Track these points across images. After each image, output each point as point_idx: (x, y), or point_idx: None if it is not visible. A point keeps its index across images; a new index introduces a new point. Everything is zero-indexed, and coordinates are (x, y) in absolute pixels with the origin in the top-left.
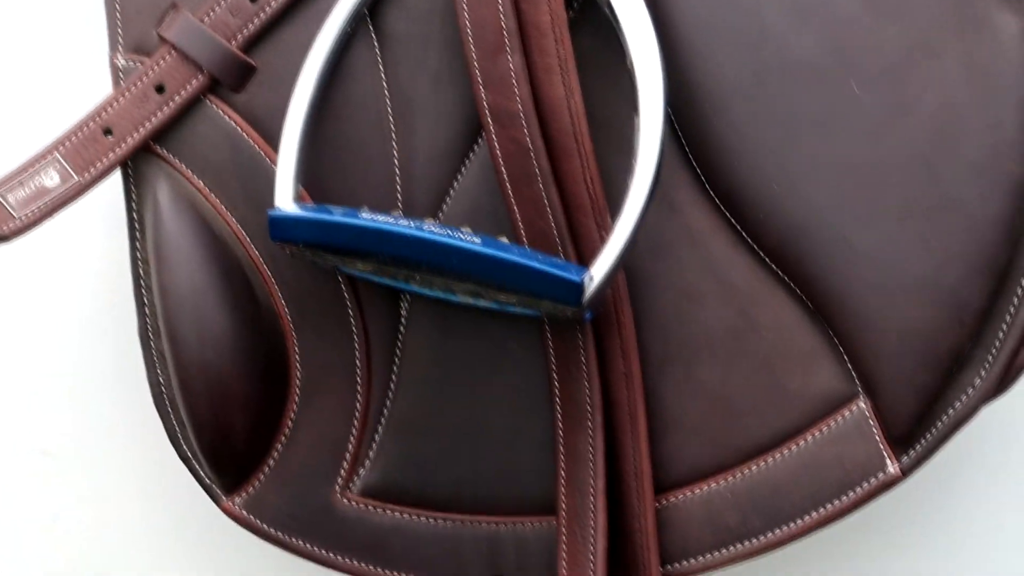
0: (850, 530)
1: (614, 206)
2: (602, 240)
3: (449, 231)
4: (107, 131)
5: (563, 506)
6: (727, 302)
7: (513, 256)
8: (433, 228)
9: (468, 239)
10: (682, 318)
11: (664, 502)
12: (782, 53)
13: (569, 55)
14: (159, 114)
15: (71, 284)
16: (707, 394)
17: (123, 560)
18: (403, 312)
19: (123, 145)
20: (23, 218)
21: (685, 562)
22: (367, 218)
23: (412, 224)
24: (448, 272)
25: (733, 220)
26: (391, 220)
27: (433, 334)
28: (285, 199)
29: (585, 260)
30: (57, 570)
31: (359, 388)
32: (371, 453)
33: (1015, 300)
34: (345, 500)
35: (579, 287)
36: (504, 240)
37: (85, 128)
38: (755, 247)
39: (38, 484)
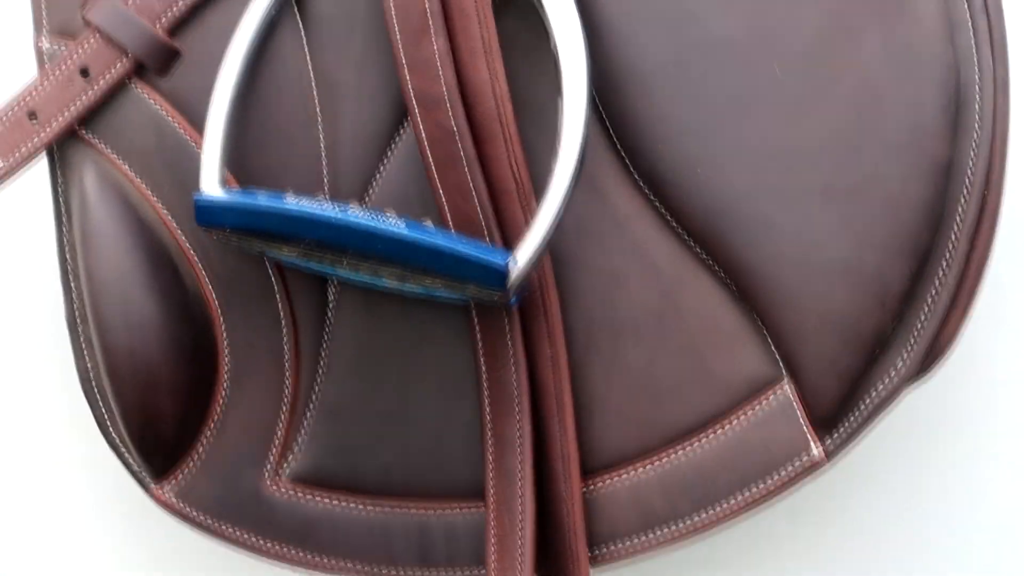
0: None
1: (539, 189)
2: (527, 224)
3: (374, 215)
4: (32, 115)
5: (491, 492)
6: (652, 285)
7: (438, 240)
8: (358, 212)
9: (393, 223)
10: (607, 302)
11: (591, 486)
12: (705, 34)
13: (493, 37)
14: (84, 98)
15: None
16: (633, 377)
17: (53, 547)
18: (331, 298)
19: (48, 129)
20: None
21: (613, 546)
22: (292, 203)
23: (337, 208)
24: (374, 256)
25: (657, 203)
26: (316, 204)
27: (361, 319)
28: (211, 184)
29: (510, 244)
30: None
31: (287, 374)
32: (300, 439)
33: (936, 283)
34: (275, 487)
35: (503, 271)
36: (429, 224)
37: (9, 112)
38: (679, 229)
39: None
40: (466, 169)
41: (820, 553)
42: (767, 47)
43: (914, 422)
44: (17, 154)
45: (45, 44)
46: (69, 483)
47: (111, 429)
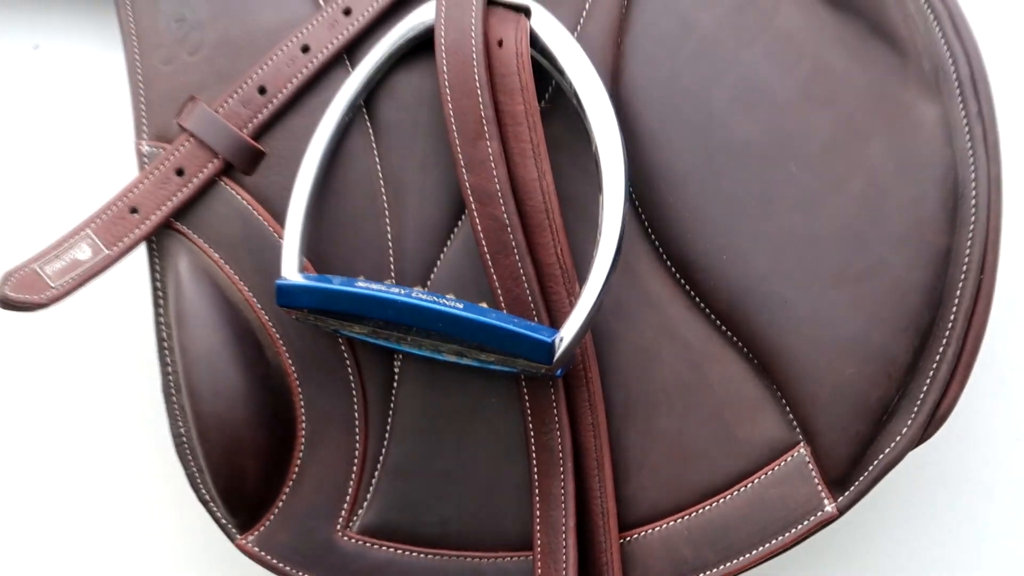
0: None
1: (582, 274)
2: (571, 305)
3: (436, 298)
4: (133, 210)
5: (538, 543)
6: (682, 359)
7: (492, 320)
8: (421, 295)
9: (452, 305)
10: (642, 374)
11: (628, 538)
12: (729, 137)
13: (541, 140)
14: (179, 195)
15: (101, 345)
16: (665, 441)
17: None
18: (396, 369)
19: (147, 222)
20: (59, 287)
21: None
22: (363, 286)
23: (403, 291)
24: (435, 334)
25: (687, 286)
26: (384, 288)
27: (423, 389)
28: (291, 270)
29: (556, 323)
30: None
31: (357, 437)
32: (368, 495)
33: (937, 357)
34: (345, 537)
35: (551, 347)
36: (484, 306)
37: (114, 207)
38: (706, 310)
39: (74, 526)
40: (517, 257)
41: None
42: (784, 149)
43: (914, 477)
44: (120, 244)
45: (145, 147)
46: (164, 534)
47: (201, 486)
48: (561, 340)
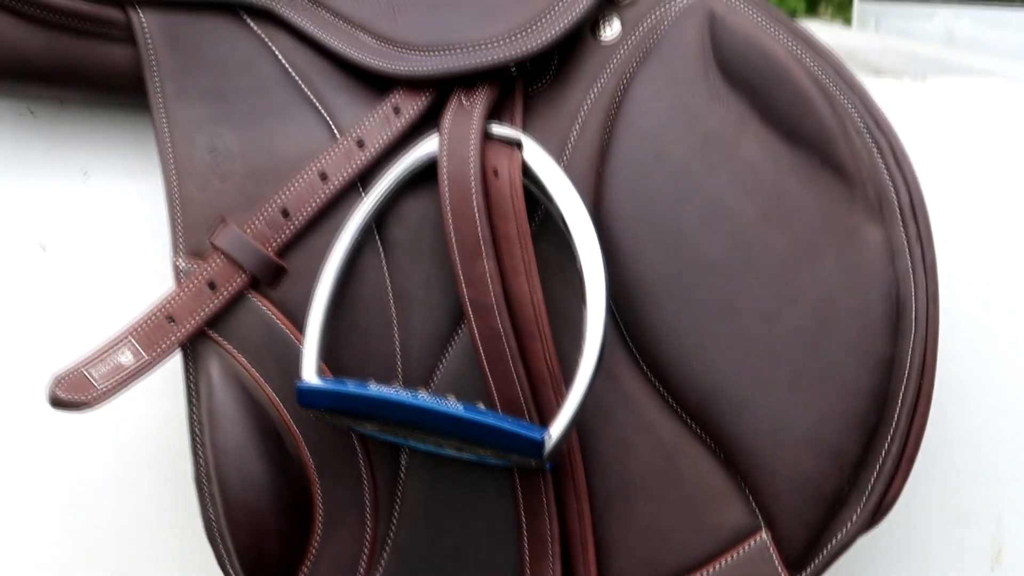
0: None
1: (568, 377)
2: (558, 405)
3: (438, 399)
4: (170, 319)
5: None
6: (656, 452)
7: (488, 420)
8: (425, 397)
9: (453, 406)
10: (621, 465)
11: None
12: (698, 255)
13: (532, 259)
14: (211, 306)
15: (141, 440)
16: (642, 526)
17: None
18: (403, 462)
19: (183, 330)
20: (104, 389)
21: None
22: (374, 389)
23: (409, 394)
24: (437, 432)
25: (660, 387)
26: (392, 391)
27: (427, 480)
28: (310, 373)
29: (545, 422)
30: None
31: (368, 522)
32: (378, 574)
33: (883, 453)
34: None
35: (540, 444)
36: (481, 406)
37: (153, 317)
38: (678, 409)
39: None
40: (510, 363)
41: None
42: (747, 265)
43: (865, 556)
44: (159, 350)
45: (181, 263)
46: None
47: (229, 566)
48: (549, 437)
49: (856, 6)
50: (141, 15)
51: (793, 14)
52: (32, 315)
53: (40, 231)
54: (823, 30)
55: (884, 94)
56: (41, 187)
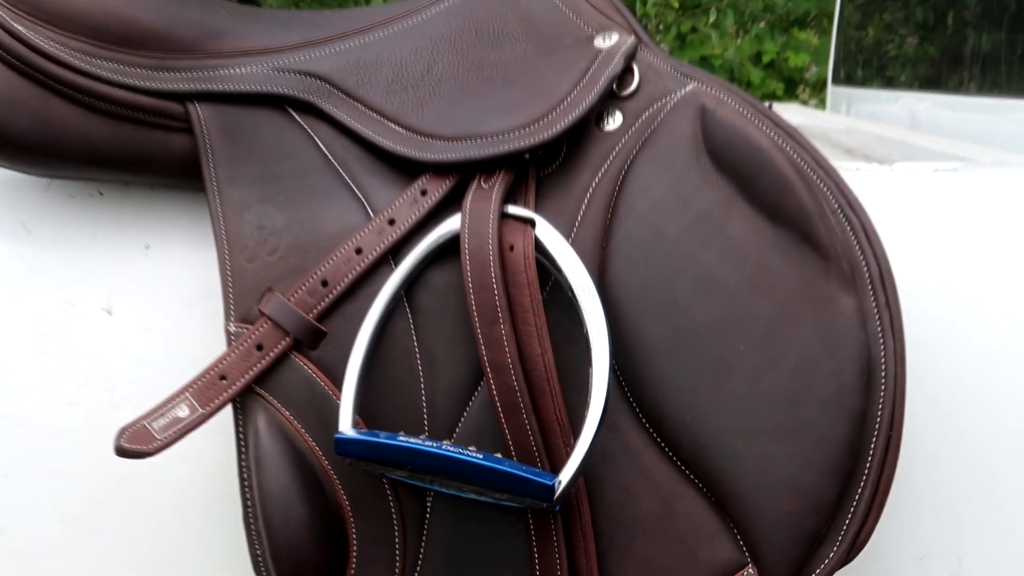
0: None
1: (576, 429)
2: (567, 454)
3: (460, 449)
4: (222, 377)
5: None
6: (654, 496)
7: (504, 467)
8: (449, 447)
9: (473, 455)
10: (622, 508)
11: None
12: (691, 321)
13: (543, 324)
14: (258, 366)
15: (194, 487)
16: (642, 562)
17: None
18: (428, 504)
19: (234, 387)
20: (163, 440)
21: None
22: (403, 440)
23: (435, 444)
24: (460, 477)
25: (658, 438)
26: (420, 441)
27: (449, 520)
28: (346, 425)
29: (556, 469)
30: None
31: (398, 557)
32: None
33: (856, 497)
34: None
35: (551, 489)
36: (498, 455)
37: (207, 375)
38: (674, 458)
39: None
40: (524, 416)
41: None
42: (734, 330)
43: None
44: (212, 405)
45: (232, 328)
46: None
47: None
48: (559, 483)
49: (830, 90)
50: (198, 108)
51: (774, 95)
52: (100, 373)
53: (107, 298)
54: (800, 112)
55: (855, 178)
56: (108, 259)
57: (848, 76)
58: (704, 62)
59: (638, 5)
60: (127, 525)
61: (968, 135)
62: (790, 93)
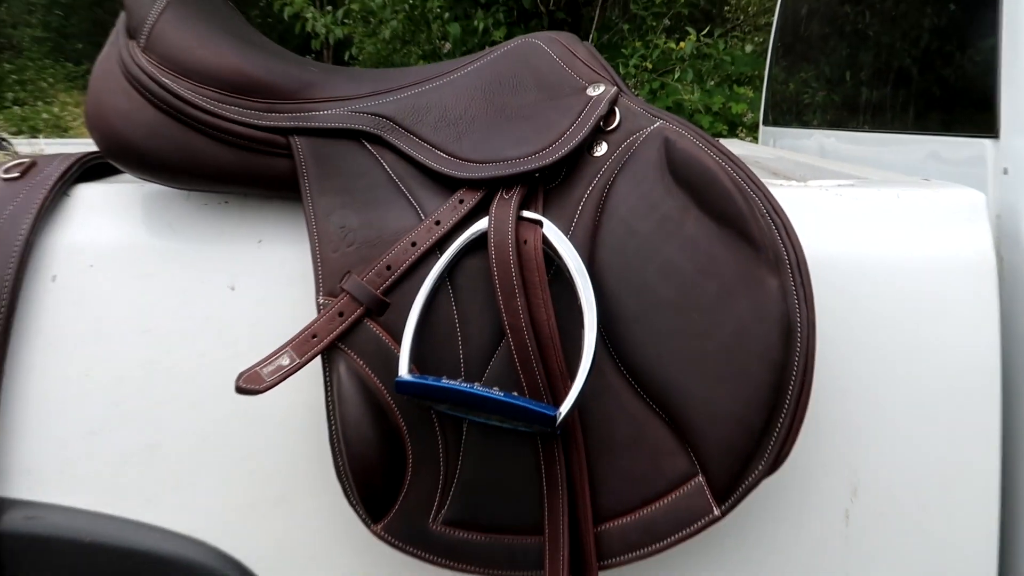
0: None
1: (572, 374)
2: (565, 393)
3: (487, 389)
4: (314, 335)
5: (547, 529)
6: (629, 423)
7: (519, 402)
8: (479, 388)
9: (497, 394)
10: (605, 432)
11: (598, 529)
12: (657, 297)
13: (548, 298)
14: (340, 327)
15: (293, 416)
16: (621, 472)
17: (311, 551)
18: (464, 428)
19: (322, 343)
20: (270, 382)
21: (611, 559)
22: (446, 383)
23: (469, 386)
24: (488, 410)
25: (632, 381)
26: (458, 384)
27: (480, 440)
28: (404, 371)
29: (557, 403)
30: (265, 553)
31: (442, 467)
32: (448, 501)
33: (779, 426)
34: (434, 527)
35: (554, 418)
36: (515, 394)
37: (303, 334)
38: (644, 395)
39: (282, 510)
40: (534, 365)
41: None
42: (690, 303)
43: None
44: (307, 356)
45: (321, 300)
46: (330, 526)
47: (351, 495)
48: (560, 414)
49: (761, 130)
50: (297, 140)
51: (720, 134)
52: (225, 332)
53: (230, 278)
54: (740, 145)
55: (780, 191)
56: (232, 249)
57: (775, 119)
58: (676, 107)
59: (620, 67)
60: (244, 444)
61: (863, 161)
62: (732, 133)
